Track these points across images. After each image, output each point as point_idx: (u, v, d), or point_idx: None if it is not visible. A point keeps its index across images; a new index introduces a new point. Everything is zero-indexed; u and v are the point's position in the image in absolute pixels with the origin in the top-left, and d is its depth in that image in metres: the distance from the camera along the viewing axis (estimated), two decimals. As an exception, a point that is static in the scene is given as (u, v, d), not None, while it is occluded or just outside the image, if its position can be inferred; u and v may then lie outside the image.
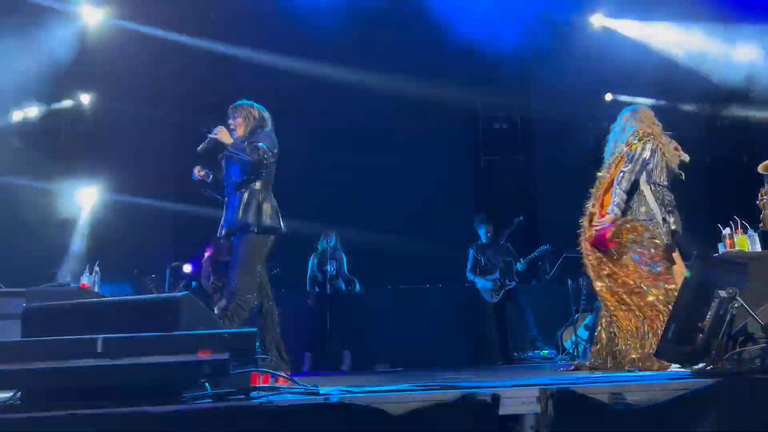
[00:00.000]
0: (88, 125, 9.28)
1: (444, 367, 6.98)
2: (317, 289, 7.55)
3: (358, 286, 7.73)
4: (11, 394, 2.69)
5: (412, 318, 8.00)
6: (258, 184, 4.38)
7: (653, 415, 2.31)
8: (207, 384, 2.48)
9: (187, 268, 8.08)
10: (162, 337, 2.43)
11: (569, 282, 7.64)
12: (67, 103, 9.10)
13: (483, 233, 7.70)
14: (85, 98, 9.22)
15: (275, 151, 4.48)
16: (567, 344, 7.40)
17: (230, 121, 4.57)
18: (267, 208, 4.32)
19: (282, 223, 4.45)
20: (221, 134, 4.39)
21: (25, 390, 2.61)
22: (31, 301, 4.84)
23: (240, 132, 4.52)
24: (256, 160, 4.28)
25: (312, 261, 7.68)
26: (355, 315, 7.80)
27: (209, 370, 2.39)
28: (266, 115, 4.66)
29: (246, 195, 4.32)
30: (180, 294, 2.71)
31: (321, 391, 2.58)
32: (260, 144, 4.33)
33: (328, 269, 7.44)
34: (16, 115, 8.39)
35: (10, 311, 5.01)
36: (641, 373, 3.72)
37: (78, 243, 8.75)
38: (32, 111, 8.55)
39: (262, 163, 4.35)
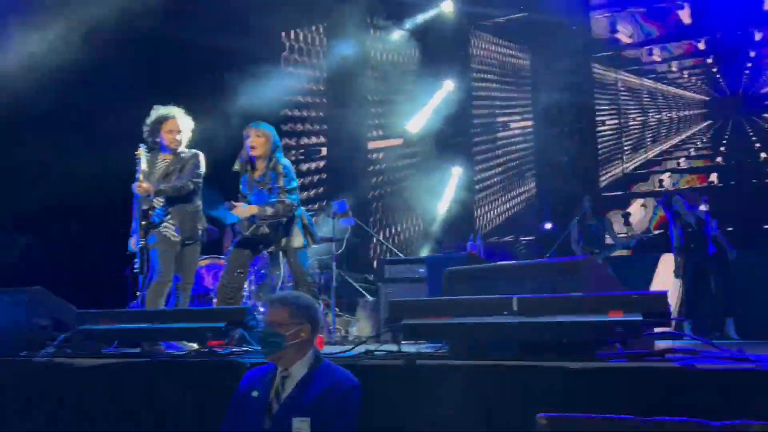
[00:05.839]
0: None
1: None
2: None
3: None
4: (440, 344, 3.11)
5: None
6: None
7: None
8: (618, 344, 2.51)
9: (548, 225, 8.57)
10: (573, 297, 2.51)
11: None
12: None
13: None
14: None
15: None
16: None
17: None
18: None
19: None
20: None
21: (451, 341, 2.96)
22: (430, 268, 5.47)
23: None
24: None
25: None
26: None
27: (622, 330, 2.40)
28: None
29: None
30: (583, 257, 2.77)
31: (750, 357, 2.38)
32: None
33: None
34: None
35: (413, 275, 5.75)
36: None
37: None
38: None
39: None
